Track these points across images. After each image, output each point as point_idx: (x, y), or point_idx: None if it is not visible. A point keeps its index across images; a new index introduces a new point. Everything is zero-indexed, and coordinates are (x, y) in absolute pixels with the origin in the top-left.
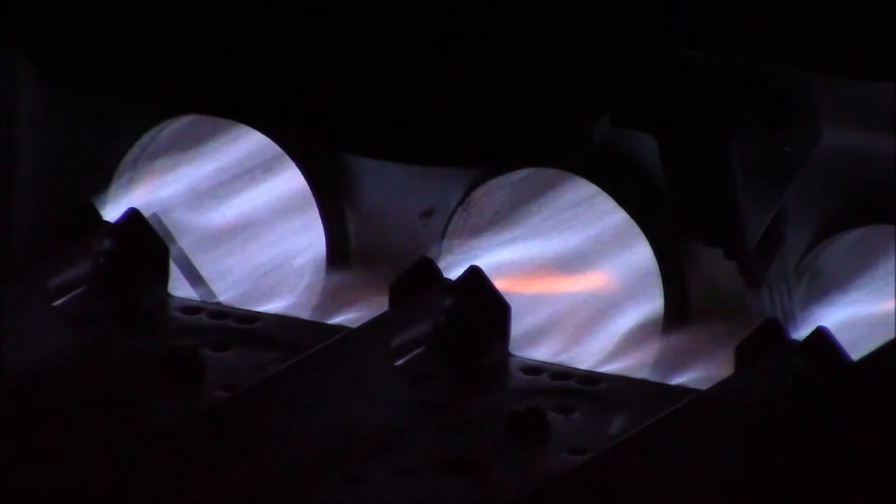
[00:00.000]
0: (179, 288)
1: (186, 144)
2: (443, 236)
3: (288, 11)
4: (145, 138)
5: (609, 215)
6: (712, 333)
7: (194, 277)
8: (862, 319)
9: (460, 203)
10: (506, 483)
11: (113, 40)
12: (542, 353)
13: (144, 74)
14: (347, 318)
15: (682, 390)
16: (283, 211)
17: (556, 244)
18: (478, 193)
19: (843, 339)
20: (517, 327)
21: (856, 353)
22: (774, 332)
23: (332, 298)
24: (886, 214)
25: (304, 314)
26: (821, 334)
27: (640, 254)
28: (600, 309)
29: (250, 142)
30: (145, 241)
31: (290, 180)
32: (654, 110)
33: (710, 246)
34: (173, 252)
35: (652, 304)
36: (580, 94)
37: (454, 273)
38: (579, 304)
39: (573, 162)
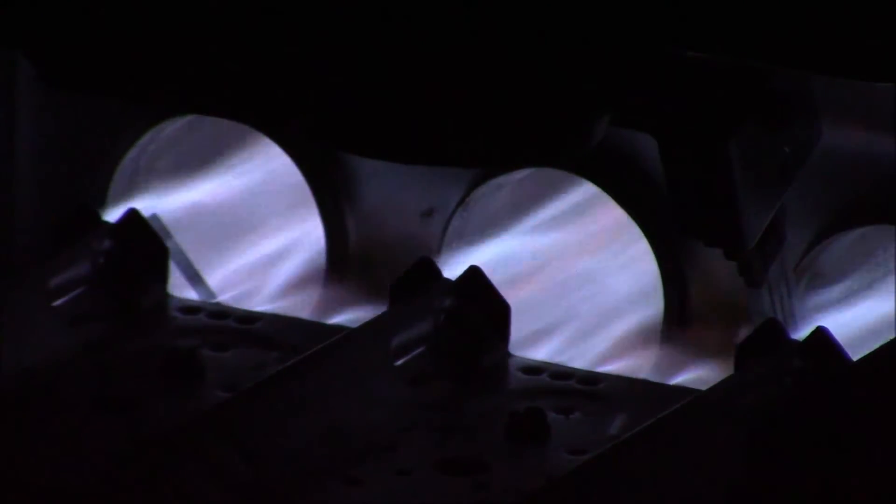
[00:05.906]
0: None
1: (186, 144)
2: (443, 236)
3: (287, 11)
4: (145, 138)
5: (609, 215)
6: (712, 334)
7: (193, 277)
8: (862, 319)
9: (460, 203)
10: (506, 483)
11: (113, 41)
12: (542, 353)
13: (144, 74)
14: (347, 318)
15: (681, 390)
16: (283, 210)
17: (556, 244)
18: (478, 193)
19: (843, 339)
20: (517, 328)
21: (856, 353)
22: (774, 332)
23: (332, 298)
24: (886, 214)
25: (304, 314)
26: (821, 334)
27: (640, 254)
28: (600, 309)
29: (250, 142)
30: (145, 241)
31: (290, 180)
32: (654, 110)
33: (710, 246)
34: (173, 252)
35: (652, 304)
36: (580, 94)
37: (454, 273)
38: (579, 304)
39: (573, 162)
